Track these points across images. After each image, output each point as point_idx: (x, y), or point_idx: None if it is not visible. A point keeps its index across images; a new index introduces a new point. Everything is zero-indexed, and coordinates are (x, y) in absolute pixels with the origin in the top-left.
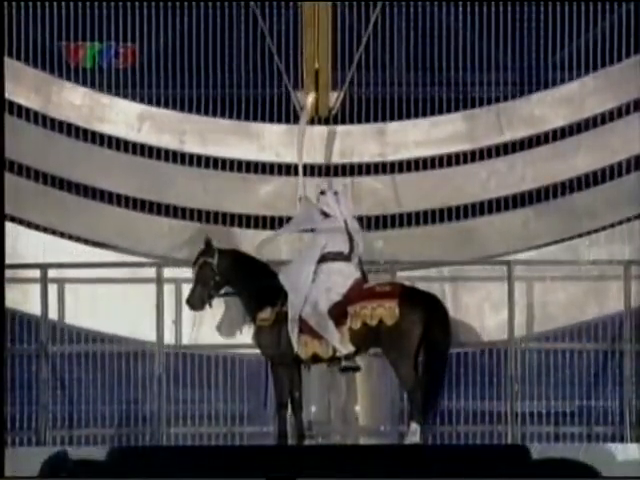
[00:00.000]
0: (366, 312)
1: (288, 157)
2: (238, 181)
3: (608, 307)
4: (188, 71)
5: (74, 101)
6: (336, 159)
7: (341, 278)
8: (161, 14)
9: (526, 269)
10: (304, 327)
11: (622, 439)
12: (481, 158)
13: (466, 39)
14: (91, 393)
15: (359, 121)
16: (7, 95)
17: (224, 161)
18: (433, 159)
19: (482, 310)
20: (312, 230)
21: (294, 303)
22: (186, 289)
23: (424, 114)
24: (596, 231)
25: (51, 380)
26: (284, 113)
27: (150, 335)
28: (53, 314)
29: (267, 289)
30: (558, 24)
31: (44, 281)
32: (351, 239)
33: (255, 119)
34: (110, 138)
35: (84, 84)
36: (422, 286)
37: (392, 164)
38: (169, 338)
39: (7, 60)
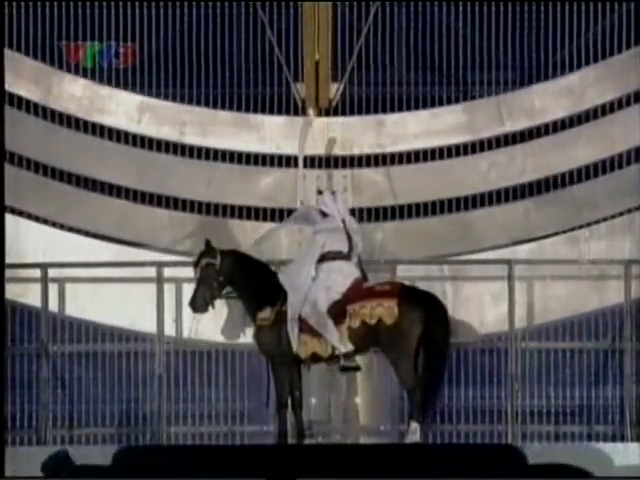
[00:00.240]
0: (365, 311)
1: (288, 149)
2: (238, 173)
3: (609, 299)
4: (188, 70)
5: (74, 93)
6: (336, 151)
7: (341, 277)
8: (161, 14)
9: (527, 256)
10: (304, 326)
11: (622, 438)
12: (481, 149)
13: (466, 38)
14: (91, 392)
15: (359, 113)
16: (7, 87)
17: (224, 153)
18: (433, 151)
19: (482, 303)
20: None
21: (293, 303)
22: (186, 288)
23: None
24: (597, 222)
25: (51, 379)
26: (284, 105)
27: (151, 326)
28: (53, 306)
29: (267, 289)
30: (558, 24)
31: (44, 281)
32: (350, 238)
33: (255, 112)
34: (110, 130)
35: None
36: (422, 279)
37: (392, 156)
38: (169, 330)
39: (7, 52)
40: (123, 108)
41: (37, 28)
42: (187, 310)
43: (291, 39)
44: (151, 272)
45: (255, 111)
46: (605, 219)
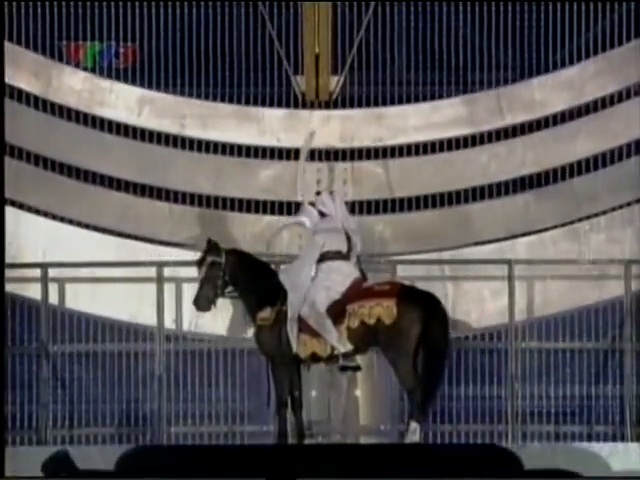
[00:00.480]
0: (364, 311)
1: (288, 142)
2: (238, 165)
3: (609, 293)
4: (188, 69)
5: (74, 85)
6: (336, 143)
7: (340, 277)
8: (161, 13)
9: (527, 254)
10: (303, 326)
11: (623, 438)
12: (481, 142)
13: (466, 38)
14: (91, 392)
15: (359, 106)
16: (7, 79)
17: (224, 146)
18: (433, 143)
19: (482, 295)
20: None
21: (293, 302)
22: (186, 288)
23: None
24: (596, 215)
25: (51, 379)
26: (284, 98)
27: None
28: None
29: (267, 289)
30: (558, 23)
31: (44, 280)
32: (349, 238)
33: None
34: (110, 122)
35: None
36: (423, 276)
37: (392, 148)
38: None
39: (7, 45)
40: (123, 101)
41: (37, 28)
42: (187, 309)
43: (291, 33)
44: (151, 272)
45: (255, 104)
46: (605, 212)
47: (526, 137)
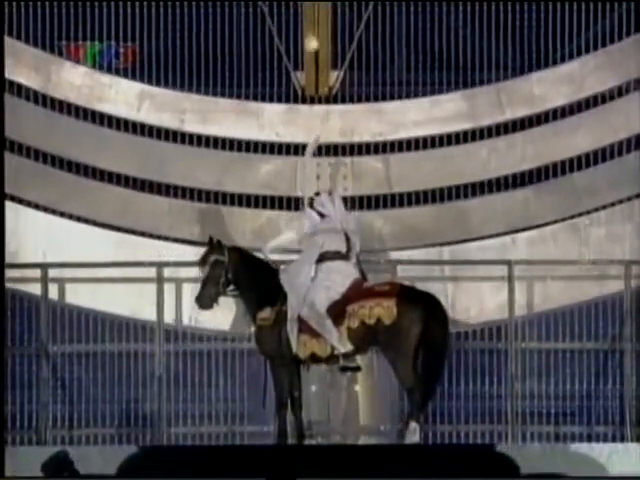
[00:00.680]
0: (364, 311)
1: (288, 137)
2: (238, 160)
3: (609, 288)
4: (188, 68)
5: (74, 80)
6: (336, 138)
7: (340, 277)
8: (161, 12)
9: (526, 248)
10: (303, 327)
11: (622, 439)
12: (481, 137)
13: (466, 38)
14: (91, 392)
15: (359, 101)
16: (7, 74)
17: (224, 140)
18: (433, 138)
19: (482, 290)
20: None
21: (293, 303)
22: (186, 288)
23: None
24: (596, 210)
25: (51, 379)
26: (284, 93)
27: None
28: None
29: (268, 288)
30: (558, 24)
31: (44, 280)
32: (348, 239)
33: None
34: (110, 117)
35: None
36: (422, 270)
37: (392, 143)
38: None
39: (7, 40)
40: (123, 96)
41: (37, 28)
42: (186, 308)
43: (291, 28)
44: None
45: (255, 100)
46: (605, 207)
47: (526, 132)
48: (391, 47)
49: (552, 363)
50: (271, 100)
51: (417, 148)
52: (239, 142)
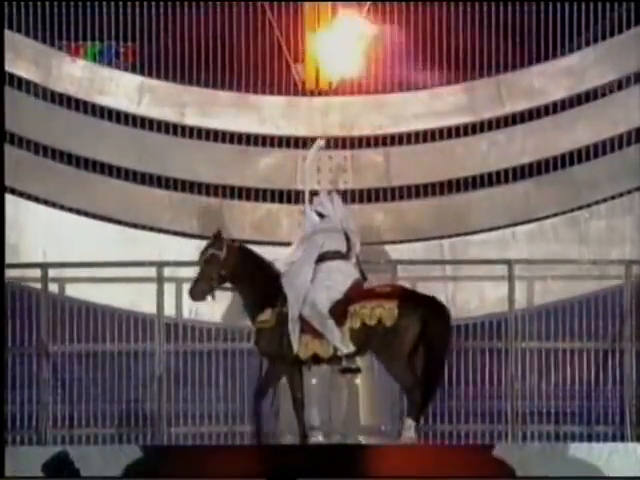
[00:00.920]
0: (365, 312)
1: (288, 130)
2: (238, 154)
3: (608, 281)
4: (188, 63)
5: (74, 74)
6: (336, 131)
7: (341, 276)
8: (161, 13)
9: (526, 242)
10: (305, 327)
11: (623, 438)
12: (481, 130)
13: (466, 38)
14: (91, 392)
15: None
16: (7, 67)
17: (224, 133)
18: (433, 131)
19: (482, 283)
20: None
21: (293, 303)
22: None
23: None
24: (597, 203)
25: (51, 379)
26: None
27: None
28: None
29: (268, 289)
30: (558, 23)
31: (44, 280)
32: (347, 238)
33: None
34: (110, 110)
35: None
36: (422, 254)
37: (392, 136)
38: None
39: (7, 33)
40: (123, 89)
41: (37, 28)
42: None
43: (291, 21)
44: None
45: (255, 93)
46: (605, 200)
47: (526, 125)
48: (392, 40)
49: (552, 362)
50: (271, 93)
51: (417, 141)
52: (239, 135)
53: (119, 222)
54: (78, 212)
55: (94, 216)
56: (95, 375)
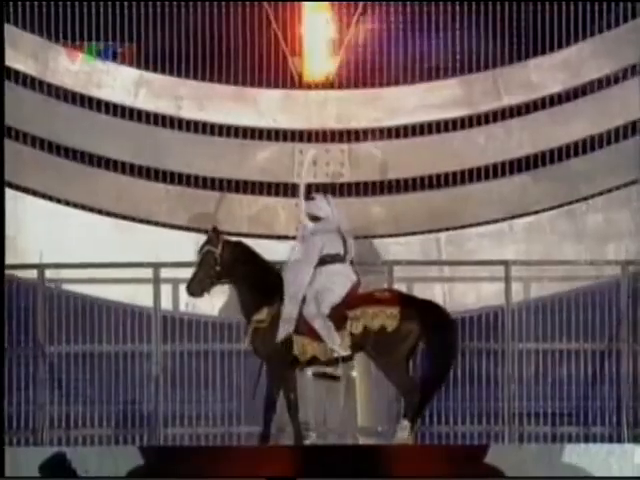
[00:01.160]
0: (367, 317)
1: (285, 123)
2: (235, 147)
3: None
4: (185, 55)
5: (71, 67)
6: (332, 125)
7: (342, 280)
8: (158, 13)
9: (526, 232)
10: (304, 329)
11: (619, 439)
12: (479, 123)
13: (463, 38)
14: (88, 393)
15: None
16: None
17: (221, 127)
18: (430, 124)
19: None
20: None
21: (288, 303)
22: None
23: None
24: (593, 196)
25: (48, 380)
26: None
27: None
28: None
29: (265, 288)
30: (555, 24)
31: (41, 280)
32: (344, 241)
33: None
34: (107, 104)
35: None
36: (419, 248)
37: (389, 129)
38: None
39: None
40: (120, 82)
41: (37, 28)
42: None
43: (288, 15)
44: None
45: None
46: (602, 193)
47: (523, 118)
48: (388, 34)
49: (549, 363)
50: (268, 86)
51: (414, 134)
52: (236, 128)
53: (116, 215)
54: (75, 205)
55: (91, 209)
56: (92, 376)
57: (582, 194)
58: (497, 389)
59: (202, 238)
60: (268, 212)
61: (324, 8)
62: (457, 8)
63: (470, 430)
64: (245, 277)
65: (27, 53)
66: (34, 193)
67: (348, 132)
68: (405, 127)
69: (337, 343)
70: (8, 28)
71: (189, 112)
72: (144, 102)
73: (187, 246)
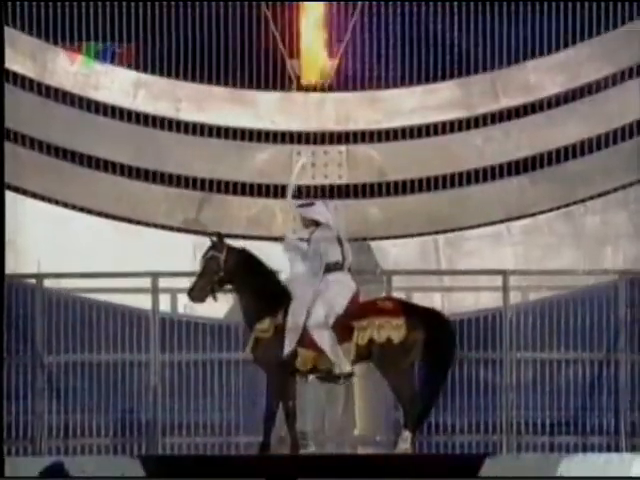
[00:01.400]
0: (373, 328)
1: (283, 125)
2: (233, 148)
3: (602, 276)
4: (184, 58)
5: (70, 68)
6: (331, 126)
7: (343, 290)
8: (156, 13)
9: (523, 234)
10: (306, 340)
11: (617, 449)
12: (477, 125)
13: (461, 40)
14: (86, 403)
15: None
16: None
17: (219, 129)
18: (428, 126)
19: (477, 278)
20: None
21: (295, 313)
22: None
23: None
24: (591, 198)
25: (47, 390)
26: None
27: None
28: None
29: (268, 298)
30: (553, 26)
31: (40, 289)
32: (341, 247)
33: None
34: (106, 105)
35: None
36: (417, 250)
37: (387, 131)
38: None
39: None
40: (119, 84)
41: (37, 28)
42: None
43: (286, 17)
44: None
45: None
46: (600, 195)
47: (521, 120)
48: (386, 37)
49: (547, 373)
50: (266, 89)
51: (412, 136)
52: (234, 130)
53: (115, 217)
54: (74, 207)
55: (90, 211)
56: (90, 385)
57: (580, 196)
58: (495, 399)
59: (200, 240)
60: (267, 213)
61: (322, 10)
62: (455, 10)
63: (468, 440)
64: (248, 285)
65: (26, 55)
66: (34, 195)
67: (346, 134)
68: (403, 129)
69: (339, 357)
70: (6, 30)
71: (188, 114)
72: (143, 104)
73: (185, 248)
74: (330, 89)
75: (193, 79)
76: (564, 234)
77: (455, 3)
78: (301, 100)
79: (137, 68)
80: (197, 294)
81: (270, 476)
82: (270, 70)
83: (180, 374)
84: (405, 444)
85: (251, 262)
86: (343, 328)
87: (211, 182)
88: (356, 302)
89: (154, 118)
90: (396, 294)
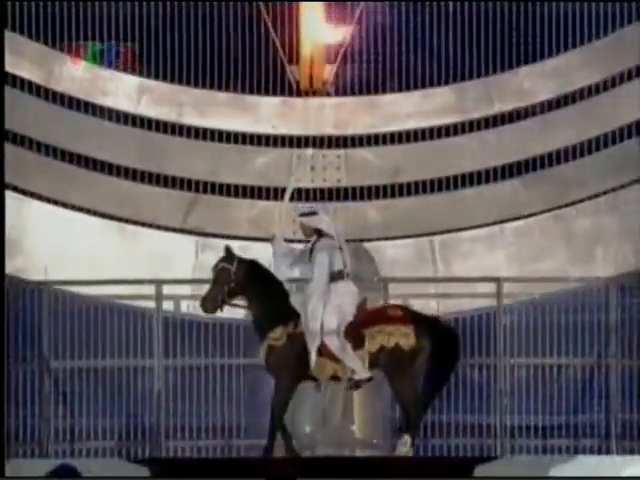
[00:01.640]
0: (384, 335)
1: (283, 129)
2: (234, 152)
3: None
4: (186, 64)
5: (75, 74)
6: (329, 131)
7: (349, 298)
8: (159, 13)
9: (516, 235)
10: (322, 349)
11: (608, 451)
12: (471, 130)
13: (456, 47)
14: (92, 407)
15: (352, 94)
16: (9, 68)
17: (221, 133)
18: (424, 131)
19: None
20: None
21: (312, 323)
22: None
23: None
24: (582, 201)
25: (53, 394)
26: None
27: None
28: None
29: (279, 307)
30: (546, 32)
31: (47, 297)
32: (343, 256)
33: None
34: (110, 110)
35: None
36: (414, 250)
37: (384, 136)
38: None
39: (8, 34)
40: (123, 89)
41: (37, 28)
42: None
43: (286, 23)
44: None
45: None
46: (591, 198)
47: (515, 125)
48: (383, 42)
49: (540, 377)
50: (267, 94)
51: (409, 140)
52: (235, 134)
53: (119, 219)
54: (79, 209)
55: (94, 213)
56: (96, 390)
57: (572, 199)
58: (489, 402)
59: (202, 240)
60: (267, 216)
61: (321, 16)
62: (450, 17)
63: (463, 443)
64: (259, 295)
65: (32, 61)
66: (40, 197)
67: (345, 138)
68: (400, 133)
69: (358, 366)
70: (12, 36)
71: (190, 119)
72: (146, 109)
73: (187, 249)
74: (329, 94)
75: (195, 85)
76: (555, 236)
77: (450, 10)
78: (300, 105)
79: (140, 73)
80: (210, 305)
81: (270, 477)
82: (270, 76)
83: (183, 379)
84: (405, 447)
85: (261, 273)
86: (354, 336)
87: (212, 185)
88: (364, 310)
89: (157, 122)
90: (393, 300)
